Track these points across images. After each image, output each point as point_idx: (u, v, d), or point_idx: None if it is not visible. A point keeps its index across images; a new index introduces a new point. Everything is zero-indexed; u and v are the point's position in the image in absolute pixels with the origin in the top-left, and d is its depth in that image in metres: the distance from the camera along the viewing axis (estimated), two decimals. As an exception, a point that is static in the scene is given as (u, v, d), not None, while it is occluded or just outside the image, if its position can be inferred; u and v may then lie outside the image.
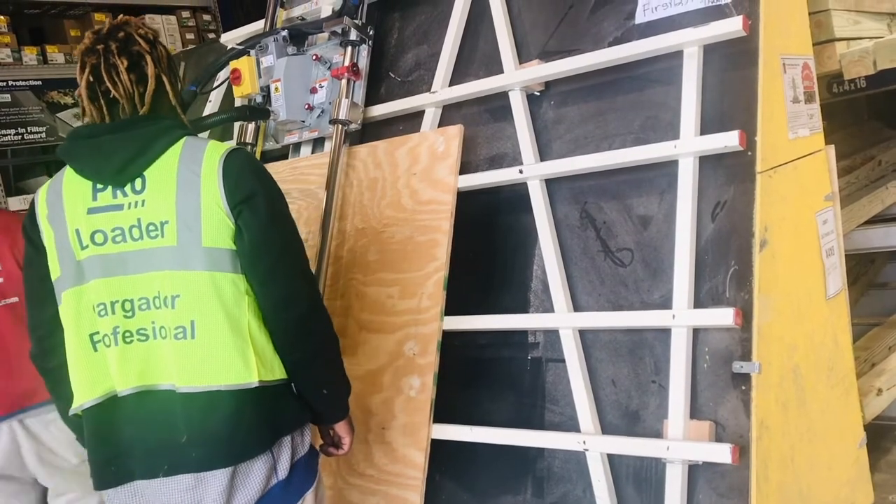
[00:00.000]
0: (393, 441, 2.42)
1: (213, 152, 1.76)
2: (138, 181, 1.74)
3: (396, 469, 2.39)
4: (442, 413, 2.39)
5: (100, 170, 1.76)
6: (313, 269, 2.67)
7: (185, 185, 1.72)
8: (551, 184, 2.43)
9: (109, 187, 1.76)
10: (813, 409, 2.22)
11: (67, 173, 1.82)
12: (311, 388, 1.86)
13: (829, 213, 2.42)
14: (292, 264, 1.82)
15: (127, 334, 1.75)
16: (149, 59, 1.80)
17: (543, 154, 2.47)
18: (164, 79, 1.83)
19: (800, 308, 2.22)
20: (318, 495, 1.89)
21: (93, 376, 1.77)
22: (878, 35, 3.13)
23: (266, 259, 1.75)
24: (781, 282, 2.12)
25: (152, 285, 1.73)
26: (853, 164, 3.88)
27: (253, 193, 1.76)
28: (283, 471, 1.77)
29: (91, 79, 1.78)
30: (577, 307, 2.32)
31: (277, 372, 1.78)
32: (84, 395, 1.78)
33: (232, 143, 1.86)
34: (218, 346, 1.71)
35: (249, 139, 3.05)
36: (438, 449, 2.37)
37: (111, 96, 1.78)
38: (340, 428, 1.97)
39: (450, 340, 2.45)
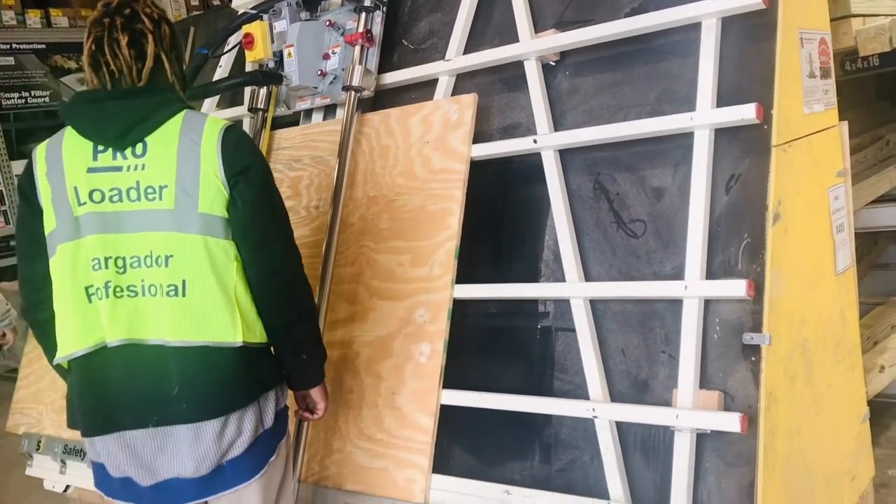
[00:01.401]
0: (402, 406, 2.44)
1: (213, 126, 1.87)
2: (139, 146, 1.83)
3: (405, 433, 2.41)
4: (451, 380, 2.41)
5: (102, 131, 1.85)
6: (325, 236, 2.70)
7: (185, 154, 1.82)
8: (564, 154, 2.43)
9: (110, 149, 1.84)
10: (819, 382, 2.25)
11: (68, 133, 1.90)
12: (290, 351, 1.97)
13: (840, 190, 2.43)
14: (282, 235, 1.94)
15: (118, 289, 1.83)
16: (150, 37, 1.89)
17: (557, 124, 2.47)
18: (164, 57, 1.91)
19: (809, 283, 2.24)
20: (287, 443, 2.04)
21: (87, 326, 1.84)
22: (894, 12, 3.12)
23: (259, 228, 1.87)
24: (793, 256, 2.14)
25: (145, 245, 1.82)
26: (862, 143, 3.88)
27: (249, 166, 1.87)
28: (269, 420, 1.92)
29: (94, 48, 1.88)
30: (588, 278, 2.33)
31: (259, 336, 1.89)
32: (75, 345, 1.85)
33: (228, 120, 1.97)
34: (207, 305, 1.82)
35: (261, 105, 3.04)
36: (447, 415, 2.39)
37: (111, 67, 1.87)
38: (315, 393, 2.08)
39: (460, 309, 2.46)
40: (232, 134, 1.88)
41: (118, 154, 1.83)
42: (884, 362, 3.09)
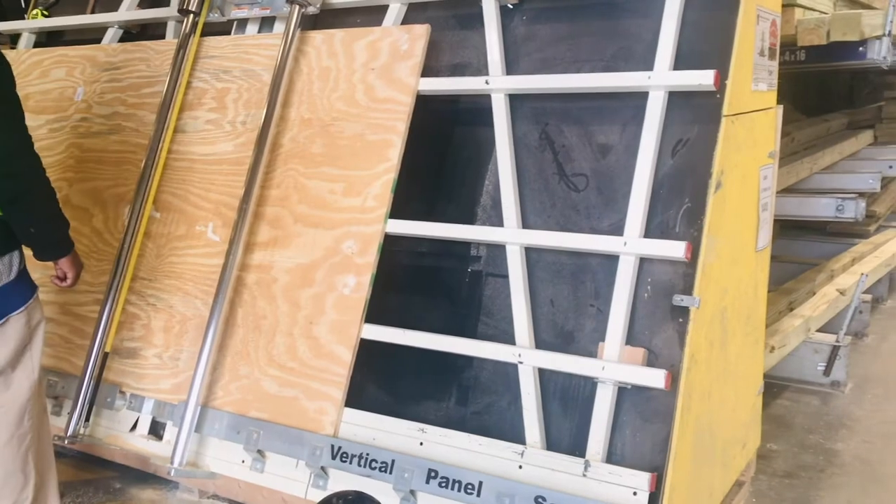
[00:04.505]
0: (320, 337, 2.36)
1: None
2: None
3: (321, 364, 2.34)
4: (373, 315, 2.35)
5: None
6: (250, 154, 2.57)
7: None
8: (514, 100, 2.39)
9: None
10: (731, 351, 2.33)
11: None
12: (21, 226, 2.12)
13: (769, 170, 2.51)
14: (12, 126, 2.09)
15: None
16: None
17: (510, 69, 2.43)
18: None
19: (735, 254, 2.31)
20: (37, 304, 2.17)
21: None
22: (825, 10, 3.25)
23: None
24: (726, 226, 2.19)
25: None
26: (772, 137, 4.04)
27: None
28: (13, 274, 2.09)
29: None
30: (524, 226, 2.31)
31: None
32: None
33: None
34: None
35: (192, 7, 2.84)
36: (363, 350, 2.34)
37: None
38: (64, 263, 2.26)
39: (389, 245, 2.40)
40: None
41: None
42: (774, 343, 3.25)
